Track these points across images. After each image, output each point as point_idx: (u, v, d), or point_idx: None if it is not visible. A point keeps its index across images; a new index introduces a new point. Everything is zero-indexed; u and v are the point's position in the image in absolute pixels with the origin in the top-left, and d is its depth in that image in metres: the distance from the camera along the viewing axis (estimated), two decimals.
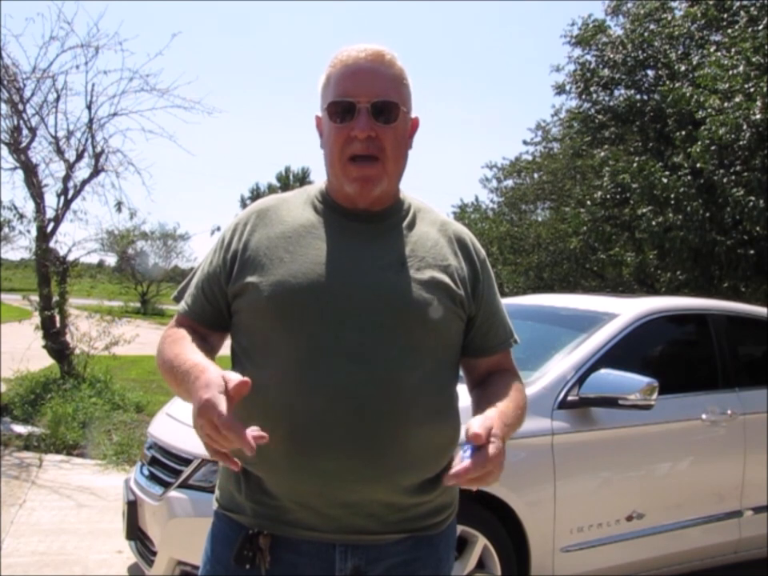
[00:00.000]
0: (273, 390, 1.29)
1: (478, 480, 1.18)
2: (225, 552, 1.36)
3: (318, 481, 1.27)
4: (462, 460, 1.17)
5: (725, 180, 8.40)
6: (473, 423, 1.21)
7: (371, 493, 1.29)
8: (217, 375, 1.16)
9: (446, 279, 1.38)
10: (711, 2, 10.86)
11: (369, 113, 1.32)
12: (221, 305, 1.41)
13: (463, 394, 1.46)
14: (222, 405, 1.10)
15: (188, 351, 1.32)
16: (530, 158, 17.81)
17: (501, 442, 1.20)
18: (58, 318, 7.71)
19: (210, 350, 1.38)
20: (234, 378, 1.14)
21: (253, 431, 1.10)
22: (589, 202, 11.59)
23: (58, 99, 7.65)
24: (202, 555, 1.44)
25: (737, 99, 8.28)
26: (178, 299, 1.51)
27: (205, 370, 1.20)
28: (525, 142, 17.91)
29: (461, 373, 1.50)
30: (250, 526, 1.34)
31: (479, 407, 1.36)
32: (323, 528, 1.31)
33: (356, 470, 1.27)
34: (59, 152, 7.82)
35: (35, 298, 7.76)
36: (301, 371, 1.29)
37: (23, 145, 7.60)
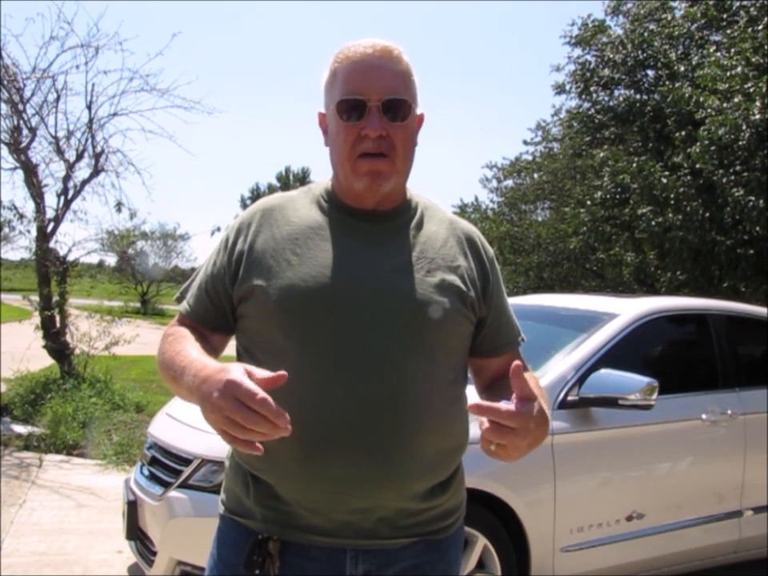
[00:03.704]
0: (282, 396, 1.26)
1: (499, 432, 1.13)
2: (232, 557, 1.34)
3: (330, 487, 1.26)
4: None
5: (724, 180, 8.40)
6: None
7: (383, 499, 1.29)
8: (233, 364, 1.13)
9: (457, 281, 1.36)
10: (711, 2, 10.86)
11: (380, 111, 1.30)
12: (224, 306, 1.38)
13: (470, 395, 1.46)
14: (248, 381, 1.07)
15: (189, 348, 1.29)
16: (530, 158, 17.82)
17: (538, 413, 1.16)
18: (57, 318, 7.71)
19: (212, 351, 1.36)
20: (262, 371, 1.10)
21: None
22: (589, 202, 11.59)
23: (57, 99, 7.66)
24: (207, 559, 1.43)
25: (736, 99, 8.28)
26: (180, 300, 1.48)
27: (207, 366, 1.18)
28: (525, 142, 17.96)
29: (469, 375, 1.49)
30: (258, 531, 1.32)
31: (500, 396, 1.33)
32: (334, 533, 1.29)
33: (368, 477, 1.26)
34: (59, 152, 7.82)
35: (35, 297, 7.75)
36: (311, 377, 1.27)
37: (23, 145, 7.60)
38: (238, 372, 1.09)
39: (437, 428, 1.31)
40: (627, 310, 3.68)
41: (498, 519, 2.99)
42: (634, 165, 9.93)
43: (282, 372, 1.10)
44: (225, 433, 1.09)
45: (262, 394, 1.05)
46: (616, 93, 12.31)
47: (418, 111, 1.41)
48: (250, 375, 1.10)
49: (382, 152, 1.31)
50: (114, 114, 7.83)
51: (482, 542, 2.95)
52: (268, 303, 1.30)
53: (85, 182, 7.91)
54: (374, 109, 1.30)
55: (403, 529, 1.32)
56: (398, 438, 1.27)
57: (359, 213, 1.38)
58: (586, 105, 12.69)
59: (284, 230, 1.36)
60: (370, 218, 1.38)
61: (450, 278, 1.36)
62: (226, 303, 1.38)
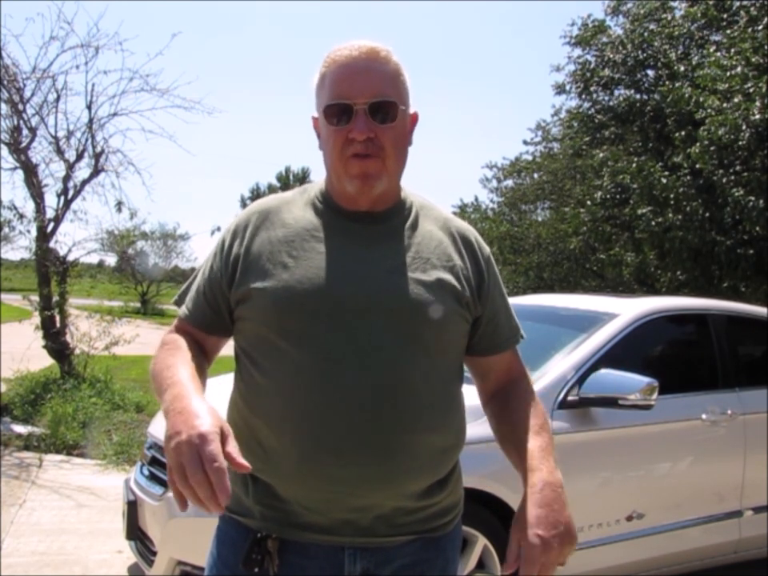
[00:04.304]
0: (281, 397, 1.28)
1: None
2: (231, 555, 1.35)
3: (329, 487, 1.27)
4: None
5: (724, 180, 8.40)
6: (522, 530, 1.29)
7: (381, 498, 1.29)
8: (213, 415, 1.12)
9: (452, 280, 1.37)
10: (711, 2, 10.85)
11: (366, 114, 1.30)
12: (222, 309, 1.39)
13: (468, 394, 1.46)
14: (216, 444, 1.06)
15: (180, 365, 1.28)
16: (530, 158, 17.80)
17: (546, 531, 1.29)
18: (57, 318, 7.71)
19: (205, 358, 1.39)
20: (234, 448, 1.09)
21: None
22: (589, 202, 11.59)
23: (58, 99, 7.66)
24: (207, 558, 1.43)
25: (736, 99, 8.28)
26: (179, 303, 1.48)
27: (187, 396, 1.17)
28: (525, 142, 17.93)
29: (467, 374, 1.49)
30: (257, 530, 1.33)
31: (512, 444, 1.42)
32: (333, 531, 1.30)
33: (366, 477, 1.26)
34: (59, 152, 7.82)
35: (35, 298, 7.75)
36: (309, 378, 1.27)
37: (23, 145, 7.60)
38: (212, 428, 1.08)
39: (435, 427, 1.32)
40: (627, 310, 3.68)
41: (498, 519, 2.99)
42: (634, 165, 9.93)
43: (248, 466, 1.09)
44: (170, 473, 1.09)
45: (222, 463, 1.05)
46: (616, 93, 12.31)
47: (412, 110, 1.40)
48: (223, 437, 1.09)
49: (371, 153, 1.31)
50: (114, 114, 7.84)
51: (481, 541, 2.95)
52: (265, 306, 1.31)
53: (85, 182, 7.91)
54: (360, 112, 1.30)
55: (400, 527, 1.33)
56: (397, 438, 1.27)
57: (354, 214, 1.38)
58: (586, 105, 12.69)
59: (279, 233, 1.37)
60: (365, 219, 1.38)
61: (445, 277, 1.36)
62: (224, 306, 1.39)
